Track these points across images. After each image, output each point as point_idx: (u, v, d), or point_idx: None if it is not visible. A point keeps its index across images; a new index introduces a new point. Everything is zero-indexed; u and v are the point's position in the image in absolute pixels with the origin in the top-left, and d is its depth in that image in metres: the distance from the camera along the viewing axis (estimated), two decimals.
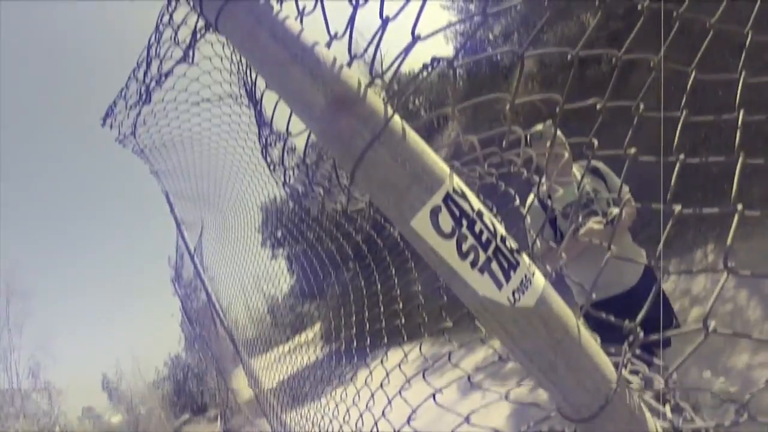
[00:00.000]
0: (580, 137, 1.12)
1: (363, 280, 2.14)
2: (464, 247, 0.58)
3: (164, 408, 17.69)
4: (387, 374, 1.45)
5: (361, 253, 2.35)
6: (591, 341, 0.68)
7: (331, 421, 2.27)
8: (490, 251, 0.60)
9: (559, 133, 2.55)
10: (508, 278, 0.60)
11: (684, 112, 0.97)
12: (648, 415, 0.70)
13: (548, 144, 1.67)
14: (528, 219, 2.43)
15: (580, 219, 2.43)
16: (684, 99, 0.99)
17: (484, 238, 0.60)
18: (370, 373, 1.70)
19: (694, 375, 3.03)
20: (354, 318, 2.30)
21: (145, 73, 1.77)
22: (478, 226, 0.60)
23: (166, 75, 1.62)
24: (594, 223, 2.37)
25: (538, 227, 2.09)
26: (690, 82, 1.02)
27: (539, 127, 2.49)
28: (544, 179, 2.47)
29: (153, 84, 1.71)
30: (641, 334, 0.77)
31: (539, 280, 0.64)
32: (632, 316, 0.80)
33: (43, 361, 16.61)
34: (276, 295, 5.15)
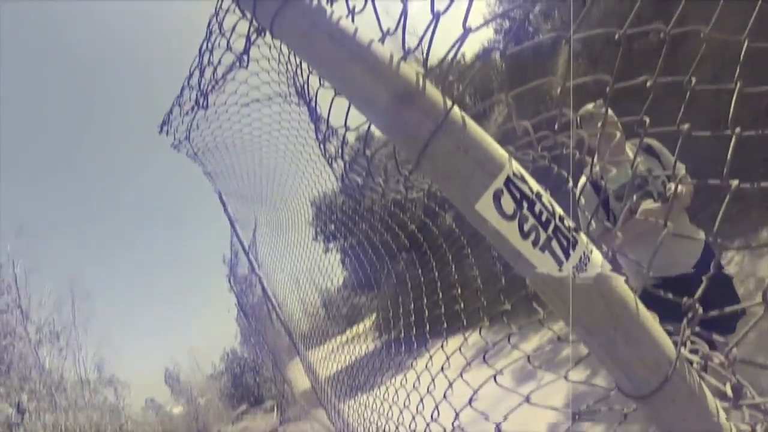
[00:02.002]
0: (632, 115, 1.12)
1: (419, 267, 2.17)
2: (526, 228, 0.62)
3: (222, 399, 18.36)
4: (447, 358, 1.48)
5: (416, 242, 2.38)
6: (650, 318, 0.69)
7: (390, 407, 2.32)
8: (550, 230, 0.63)
9: (610, 112, 2.48)
10: (567, 255, 0.63)
11: (738, 84, 0.96)
12: (708, 393, 0.71)
13: (599, 124, 1.64)
14: (581, 201, 2.39)
15: (635, 200, 2.36)
16: (738, 69, 0.98)
17: (543, 218, 0.63)
18: (430, 357, 1.73)
19: (761, 361, 2.93)
20: (412, 306, 2.33)
21: (200, 80, 1.86)
22: (537, 207, 0.63)
23: (223, 80, 1.69)
24: (649, 204, 2.30)
25: (591, 209, 2.06)
26: (743, 51, 1.00)
27: (589, 107, 2.44)
28: (596, 160, 2.42)
29: (210, 89, 1.79)
30: (700, 311, 0.78)
31: (597, 257, 0.67)
32: (690, 295, 0.80)
33: (108, 357, 17.50)
34: (330, 287, 5.25)
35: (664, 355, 0.67)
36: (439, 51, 0.90)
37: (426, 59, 0.78)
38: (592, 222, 2.23)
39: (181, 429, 17.18)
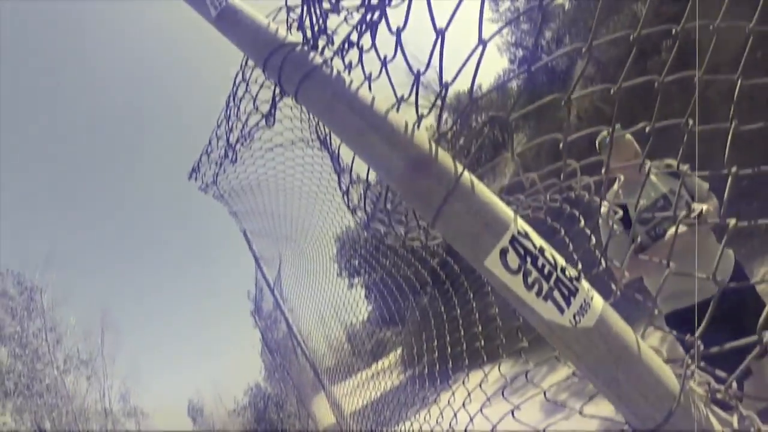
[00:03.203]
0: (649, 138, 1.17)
1: (441, 304, 2.23)
2: (530, 280, 0.70)
3: None
4: (468, 394, 1.53)
5: (438, 278, 2.43)
6: (652, 355, 0.75)
7: None
8: (551, 281, 0.70)
9: (628, 136, 2.51)
10: (569, 303, 0.70)
11: (733, 123, 1.03)
12: (717, 424, 0.76)
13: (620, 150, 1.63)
14: (602, 230, 2.35)
15: (657, 219, 2.33)
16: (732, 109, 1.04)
17: (546, 270, 0.71)
18: (452, 393, 1.78)
19: None
20: (435, 342, 2.38)
21: (228, 133, 1.97)
22: (540, 261, 0.71)
23: (250, 137, 1.80)
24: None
25: (620, 239, 2.06)
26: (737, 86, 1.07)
27: (605, 133, 2.46)
28: (617, 187, 2.41)
29: (238, 145, 1.91)
30: (702, 347, 0.84)
31: (598, 302, 0.74)
32: (724, 318, 0.84)
33: (133, 388, 17.69)
34: (354, 322, 5.30)
35: (667, 391, 0.73)
36: (456, 87, 0.98)
37: (438, 124, 0.87)
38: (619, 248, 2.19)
39: None
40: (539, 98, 0.98)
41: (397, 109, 0.86)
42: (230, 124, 1.84)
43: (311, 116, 1.80)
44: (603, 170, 1.05)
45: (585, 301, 0.71)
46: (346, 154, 1.25)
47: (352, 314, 4.53)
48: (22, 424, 14.65)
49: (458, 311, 1.97)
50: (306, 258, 4.65)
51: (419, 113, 0.86)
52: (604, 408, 1.06)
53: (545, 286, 0.70)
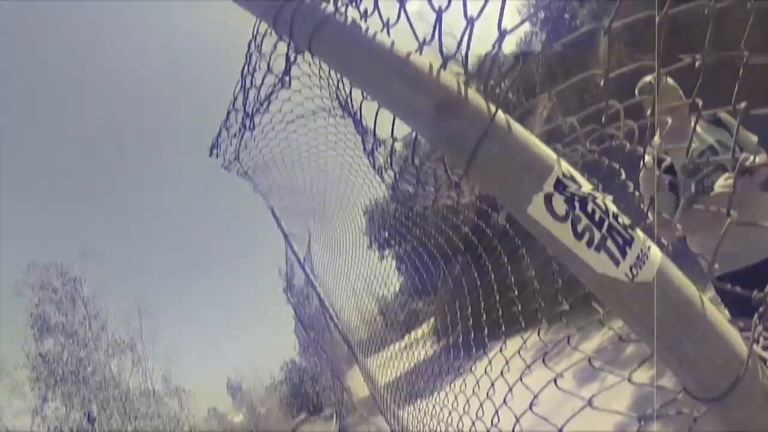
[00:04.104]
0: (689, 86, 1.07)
1: (475, 270, 2.15)
2: (579, 228, 0.61)
3: (282, 408, 18.83)
4: (506, 362, 1.46)
5: (470, 245, 2.35)
6: (717, 314, 0.66)
7: (450, 413, 2.30)
8: (604, 229, 0.62)
9: (671, 81, 2.34)
10: (624, 254, 0.62)
11: None
12: None
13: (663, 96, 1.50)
14: (642, 184, 2.18)
15: (704, 172, 2.14)
16: None
17: (597, 217, 0.62)
18: (489, 362, 1.72)
19: None
20: (469, 310, 2.31)
21: (245, 102, 1.91)
22: (590, 206, 0.62)
23: (267, 101, 1.74)
24: (727, 178, 2.07)
25: (656, 193, 1.92)
26: None
27: (648, 78, 2.28)
28: (658, 137, 2.25)
29: (255, 111, 1.85)
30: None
31: (656, 253, 0.65)
32: None
33: (174, 369, 18.27)
34: (386, 294, 5.28)
35: (735, 354, 0.64)
36: (476, 51, 0.90)
37: (465, 65, 0.78)
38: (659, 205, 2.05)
39: None
40: (564, 61, 0.88)
41: (420, 52, 0.78)
42: (246, 93, 1.78)
43: (330, 78, 1.72)
44: (648, 113, 0.95)
45: (642, 251, 0.63)
46: (368, 114, 1.18)
47: (384, 286, 4.49)
48: (72, 409, 15.30)
49: (492, 276, 1.89)
50: (335, 232, 4.61)
51: (444, 55, 0.78)
52: (640, 376, 0.98)
53: (597, 235, 0.61)
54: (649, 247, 0.64)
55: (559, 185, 0.61)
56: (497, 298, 1.84)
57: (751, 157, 2.07)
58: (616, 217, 0.64)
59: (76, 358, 15.84)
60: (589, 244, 0.61)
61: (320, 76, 1.98)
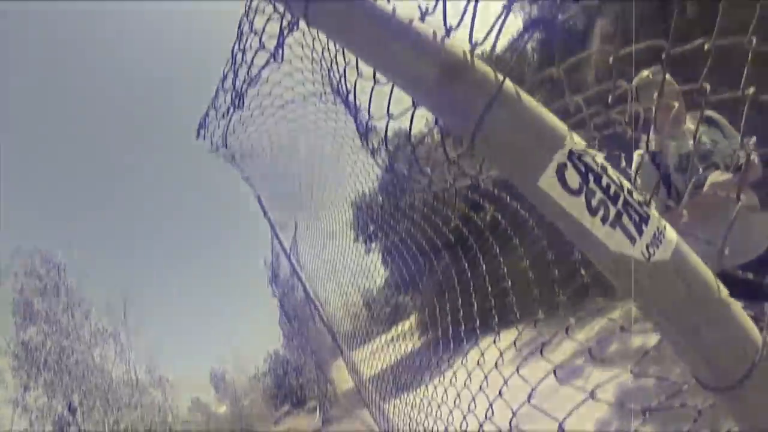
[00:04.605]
0: (687, 85, 1.05)
1: (465, 262, 2.11)
2: (593, 203, 0.57)
3: (265, 400, 18.80)
4: (501, 354, 1.42)
5: (460, 236, 2.32)
6: (732, 299, 0.63)
7: (440, 406, 2.27)
8: (619, 205, 0.58)
9: (668, 78, 2.32)
10: (640, 232, 0.58)
11: None
12: None
13: (657, 92, 1.50)
14: (638, 178, 2.18)
15: (700, 172, 2.16)
16: None
17: (612, 191, 0.58)
18: (482, 354, 1.68)
19: None
20: (459, 301, 2.27)
21: (234, 80, 1.85)
22: (604, 180, 0.58)
23: (258, 77, 1.68)
24: (718, 175, 2.09)
25: (651, 186, 1.90)
26: None
27: (645, 74, 2.28)
28: (653, 133, 2.25)
29: (245, 88, 1.79)
30: None
31: (672, 233, 0.61)
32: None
33: (157, 359, 18.12)
34: (372, 288, 5.25)
35: (750, 341, 0.61)
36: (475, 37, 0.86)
37: (471, 34, 0.74)
38: (653, 200, 2.05)
39: (226, 428, 17.66)
40: (554, 60, 0.84)
41: (422, 20, 0.73)
42: (236, 71, 1.72)
43: (323, 60, 1.67)
44: (639, 121, 0.92)
45: (658, 229, 0.59)
46: (362, 95, 1.13)
47: (370, 280, 4.46)
48: (53, 399, 15.11)
49: (483, 268, 1.85)
50: (322, 223, 4.55)
51: (447, 24, 0.73)
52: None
53: (612, 210, 0.57)
54: (664, 226, 0.60)
55: (573, 156, 0.57)
56: (489, 289, 1.80)
57: (748, 155, 2.06)
58: (631, 193, 0.59)
59: (58, 347, 15.64)
60: (604, 220, 0.57)
61: (312, 59, 1.93)
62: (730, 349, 0.59)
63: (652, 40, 0.91)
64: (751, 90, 0.87)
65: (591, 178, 0.57)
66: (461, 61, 0.62)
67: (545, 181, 0.57)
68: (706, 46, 0.93)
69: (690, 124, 2.32)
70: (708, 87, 0.97)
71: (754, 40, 0.91)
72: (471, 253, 2.05)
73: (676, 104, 2.22)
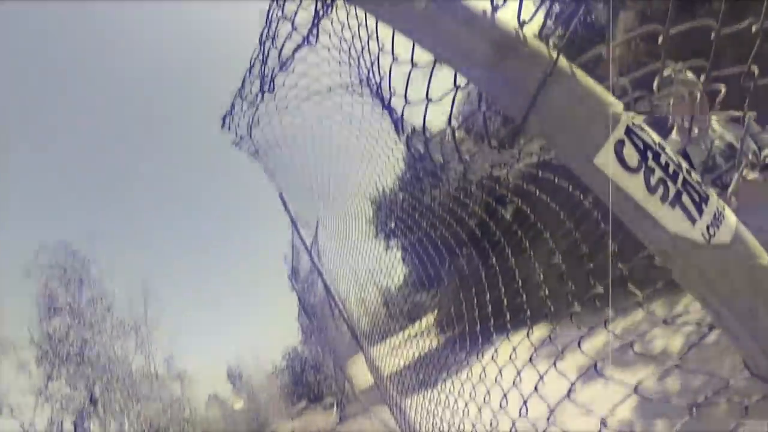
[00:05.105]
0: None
1: (494, 256, 2.08)
2: (652, 181, 0.55)
3: (283, 396, 18.86)
4: (513, 349, 1.40)
5: (477, 238, 2.30)
6: None
7: (467, 403, 2.25)
8: (679, 183, 0.55)
9: (690, 74, 2.29)
10: (701, 212, 0.55)
11: None
12: None
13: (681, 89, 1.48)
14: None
15: (726, 172, 2.15)
16: None
17: (671, 169, 0.55)
18: (495, 350, 1.65)
19: None
20: (475, 301, 2.24)
21: (263, 67, 1.84)
22: (663, 158, 0.56)
23: (291, 59, 1.67)
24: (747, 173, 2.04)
25: None
26: None
27: (667, 71, 2.25)
28: (677, 134, 2.24)
29: (276, 72, 1.78)
30: None
31: (731, 215, 0.59)
32: None
33: (176, 353, 18.32)
34: (391, 285, 5.23)
35: None
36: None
37: (519, 11, 0.72)
38: None
39: (242, 424, 17.81)
40: (581, 50, 0.82)
41: None
42: (265, 57, 1.72)
43: (353, 46, 1.65)
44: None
45: (718, 210, 0.56)
46: (398, 82, 1.12)
47: (389, 277, 4.43)
48: (75, 389, 15.37)
49: (498, 269, 1.82)
50: (343, 219, 4.55)
51: (494, 3, 0.72)
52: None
53: (672, 189, 0.55)
54: (724, 207, 0.58)
55: (631, 133, 0.55)
56: (503, 290, 1.77)
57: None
58: (689, 172, 0.57)
59: (81, 339, 15.90)
60: (664, 199, 0.55)
61: (341, 48, 1.91)
62: None
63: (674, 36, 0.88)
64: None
65: (650, 155, 0.55)
66: (513, 37, 0.61)
67: (602, 158, 0.55)
68: (753, 28, 0.90)
69: (715, 124, 2.30)
70: (756, 70, 0.94)
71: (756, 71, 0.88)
72: (498, 248, 2.03)
73: (702, 99, 2.19)
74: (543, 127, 0.58)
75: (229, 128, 2.62)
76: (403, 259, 6.92)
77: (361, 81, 1.99)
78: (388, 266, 4.55)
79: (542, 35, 0.70)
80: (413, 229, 3.83)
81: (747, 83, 0.92)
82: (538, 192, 1.56)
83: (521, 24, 0.67)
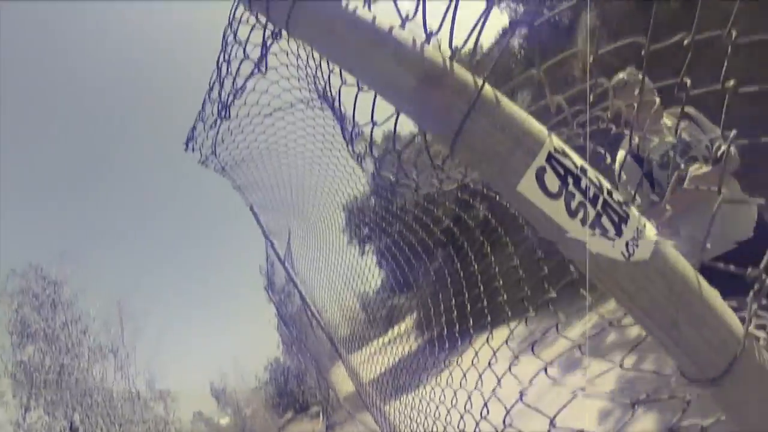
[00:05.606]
0: (662, 83, 1.06)
1: (458, 262, 2.12)
2: (573, 205, 0.58)
3: (268, 408, 18.72)
4: (494, 353, 1.43)
5: (452, 237, 2.33)
6: (713, 294, 0.64)
7: (437, 407, 2.28)
8: (598, 206, 0.59)
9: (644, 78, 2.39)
10: (619, 232, 0.59)
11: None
12: None
13: (635, 92, 1.53)
14: (623, 176, 2.27)
15: (682, 166, 2.23)
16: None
17: (591, 193, 0.59)
18: (476, 353, 1.69)
19: None
20: (453, 301, 2.28)
21: (220, 91, 1.85)
22: (584, 182, 0.59)
23: (243, 89, 1.69)
24: (698, 168, 2.13)
25: (635, 183, 1.96)
26: None
27: (621, 75, 2.35)
28: (633, 131, 2.34)
29: (231, 99, 1.79)
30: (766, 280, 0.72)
31: (651, 232, 0.62)
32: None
33: (157, 372, 18.03)
34: (368, 290, 5.25)
35: (732, 334, 0.62)
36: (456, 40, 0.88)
37: (451, 39, 0.75)
38: (637, 197, 2.12)
39: None
40: (544, 53, 0.86)
41: (402, 28, 0.74)
42: (222, 80, 1.72)
43: (308, 67, 1.68)
44: (621, 118, 0.93)
45: (638, 229, 0.60)
46: (348, 100, 1.14)
47: (366, 282, 4.46)
48: (54, 419, 14.97)
49: (475, 267, 1.86)
50: (315, 229, 4.56)
51: (428, 30, 0.74)
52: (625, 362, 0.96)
53: (591, 212, 0.58)
54: (644, 225, 0.61)
55: (552, 159, 0.58)
56: (481, 288, 1.81)
57: (725, 146, 2.13)
58: (610, 193, 0.61)
59: (58, 365, 15.50)
60: (584, 221, 0.58)
61: (298, 66, 1.94)
62: (711, 344, 0.60)
63: (634, 34, 0.92)
64: (731, 83, 0.89)
65: (570, 180, 0.58)
66: (440, 68, 0.63)
67: (524, 186, 0.58)
68: (685, 42, 0.95)
69: (668, 121, 2.40)
70: (689, 82, 0.98)
71: (734, 34, 0.92)
72: (462, 253, 2.06)
73: (654, 102, 2.28)
74: (469, 156, 0.61)
75: (193, 150, 2.61)
76: (379, 264, 6.95)
77: (319, 96, 2.01)
78: (365, 271, 4.58)
79: (473, 62, 0.73)
80: (386, 233, 3.86)
81: (680, 94, 0.97)
82: (498, 196, 1.60)
83: (453, 52, 0.70)
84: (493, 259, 1.73)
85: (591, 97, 0.92)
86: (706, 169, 2.12)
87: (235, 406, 19.40)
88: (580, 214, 0.58)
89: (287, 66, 1.99)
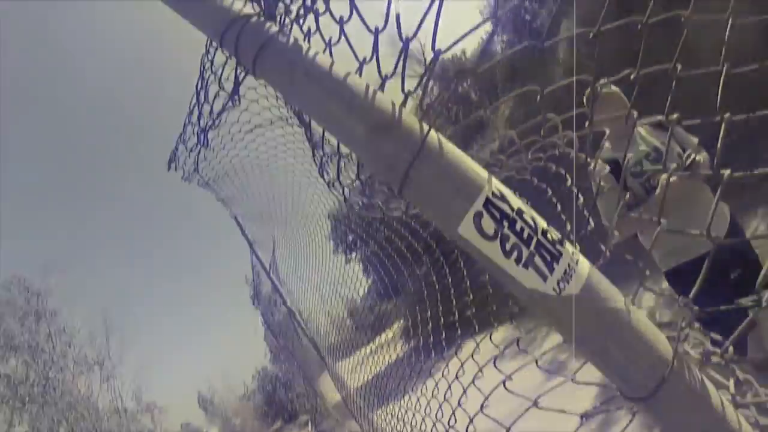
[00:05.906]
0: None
1: (434, 274, 2.17)
2: (507, 246, 0.63)
3: (257, 418, 18.61)
4: (461, 365, 1.49)
5: (430, 249, 2.39)
6: (643, 320, 0.70)
7: (414, 415, 2.33)
8: (532, 246, 0.64)
9: (615, 88, 2.48)
10: (551, 270, 0.64)
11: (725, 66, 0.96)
12: (712, 389, 0.71)
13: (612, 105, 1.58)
14: (602, 183, 2.32)
15: (652, 175, 2.33)
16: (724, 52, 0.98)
17: (525, 235, 0.64)
18: (446, 365, 1.74)
19: None
20: (429, 313, 2.33)
21: (199, 118, 1.90)
22: (518, 225, 0.65)
23: (218, 119, 1.73)
24: (665, 178, 2.26)
25: (612, 194, 2.04)
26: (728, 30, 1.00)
27: (599, 89, 2.44)
28: (607, 143, 2.42)
29: (208, 128, 1.83)
30: (695, 308, 0.79)
31: (584, 266, 0.68)
32: (721, 275, 0.79)
33: (144, 384, 17.87)
34: (355, 298, 5.30)
35: (660, 357, 0.68)
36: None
37: (403, 84, 0.80)
38: (615, 206, 2.20)
39: None
40: (525, 59, 0.92)
41: (360, 73, 0.80)
42: (200, 108, 1.77)
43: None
44: (587, 123, 0.99)
45: (569, 266, 0.66)
46: (319, 127, 1.19)
47: (352, 290, 4.51)
48: None
49: (449, 280, 1.91)
50: (300, 237, 4.60)
51: (382, 74, 0.80)
52: (587, 375, 1.02)
53: (525, 252, 0.64)
54: (576, 261, 0.67)
55: (488, 205, 0.64)
56: (454, 302, 1.86)
57: (694, 155, 2.22)
58: (545, 233, 0.66)
59: (43, 378, 15.30)
60: (518, 261, 0.64)
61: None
62: (640, 368, 0.66)
63: (615, 39, 0.97)
64: (675, 116, 0.95)
65: (505, 223, 0.64)
66: (389, 117, 0.69)
67: (464, 229, 0.63)
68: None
69: (642, 130, 2.48)
70: (635, 114, 1.05)
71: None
72: (438, 266, 2.11)
73: (632, 113, 2.36)
74: (414, 200, 0.67)
75: (176, 169, 2.65)
76: (365, 272, 6.99)
77: (296, 114, 2.06)
78: (350, 279, 4.62)
79: (422, 105, 0.79)
80: (372, 240, 3.90)
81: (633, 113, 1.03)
82: None
83: (405, 97, 0.75)
84: (465, 272, 1.78)
85: (543, 129, 0.98)
86: (674, 178, 2.20)
87: (224, 417, 19.29)
88: (515, 254, 0.64)
89: (266, 86, 2.04)
